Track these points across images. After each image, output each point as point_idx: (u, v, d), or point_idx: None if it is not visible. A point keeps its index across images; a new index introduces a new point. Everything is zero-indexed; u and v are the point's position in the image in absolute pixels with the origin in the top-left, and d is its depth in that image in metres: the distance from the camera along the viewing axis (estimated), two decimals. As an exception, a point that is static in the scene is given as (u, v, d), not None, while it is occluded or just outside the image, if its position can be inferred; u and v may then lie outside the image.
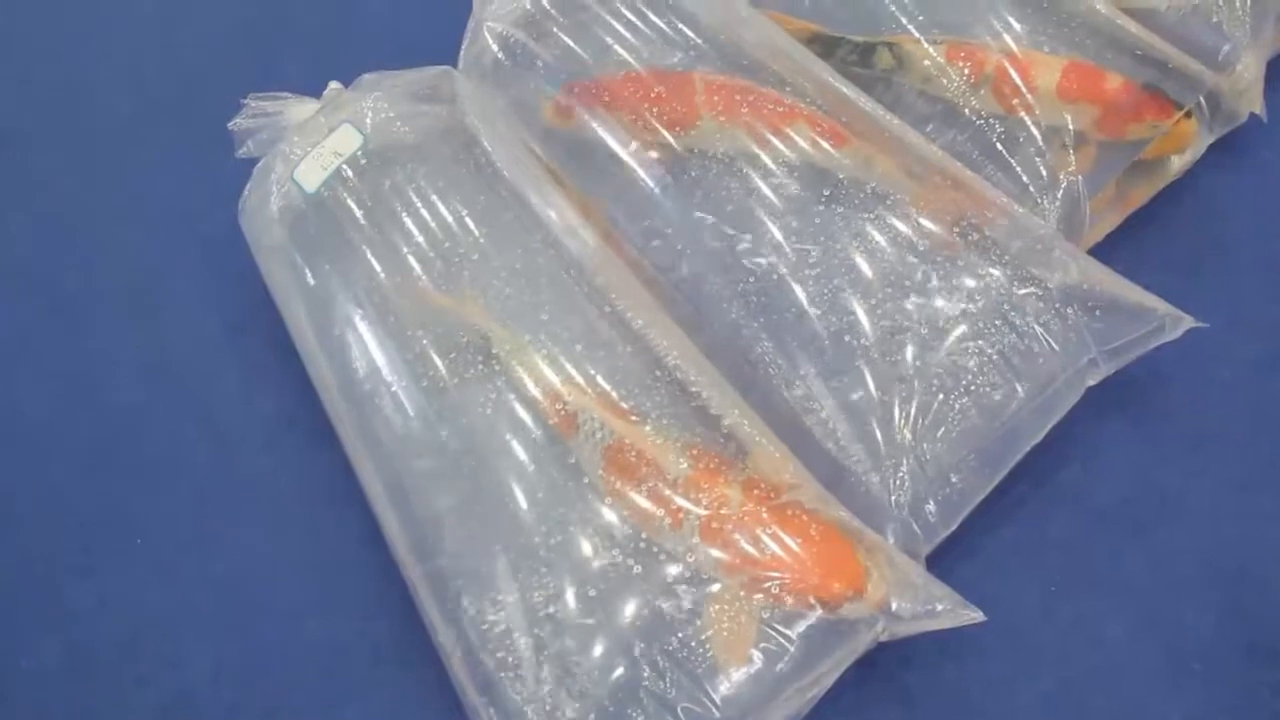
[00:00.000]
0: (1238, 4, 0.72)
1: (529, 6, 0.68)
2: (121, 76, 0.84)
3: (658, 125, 0.64)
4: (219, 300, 0.69)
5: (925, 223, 0.60)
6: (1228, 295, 0.66)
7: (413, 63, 0.68)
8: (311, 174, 0.60)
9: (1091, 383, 0.58)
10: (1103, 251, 0.66)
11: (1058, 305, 0.58)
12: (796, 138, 0.63)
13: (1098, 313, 0.58)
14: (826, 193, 0.61)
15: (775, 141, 0.63)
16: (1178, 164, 0.70)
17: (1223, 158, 0.71)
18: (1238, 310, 0.66)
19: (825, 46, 0.72)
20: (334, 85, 0.66)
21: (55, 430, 0.66)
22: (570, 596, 0.50)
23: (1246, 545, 0.58)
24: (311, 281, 0.60)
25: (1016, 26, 0.69)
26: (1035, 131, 0.65)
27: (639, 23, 0.67)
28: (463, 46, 0.70)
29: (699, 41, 0.67)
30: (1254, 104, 0.71)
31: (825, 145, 0.63)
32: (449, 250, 0.59)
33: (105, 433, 0.66)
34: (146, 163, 0.78)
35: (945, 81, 0.68)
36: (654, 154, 0.63)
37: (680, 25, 0.68)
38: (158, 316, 0.70)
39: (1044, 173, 0.64)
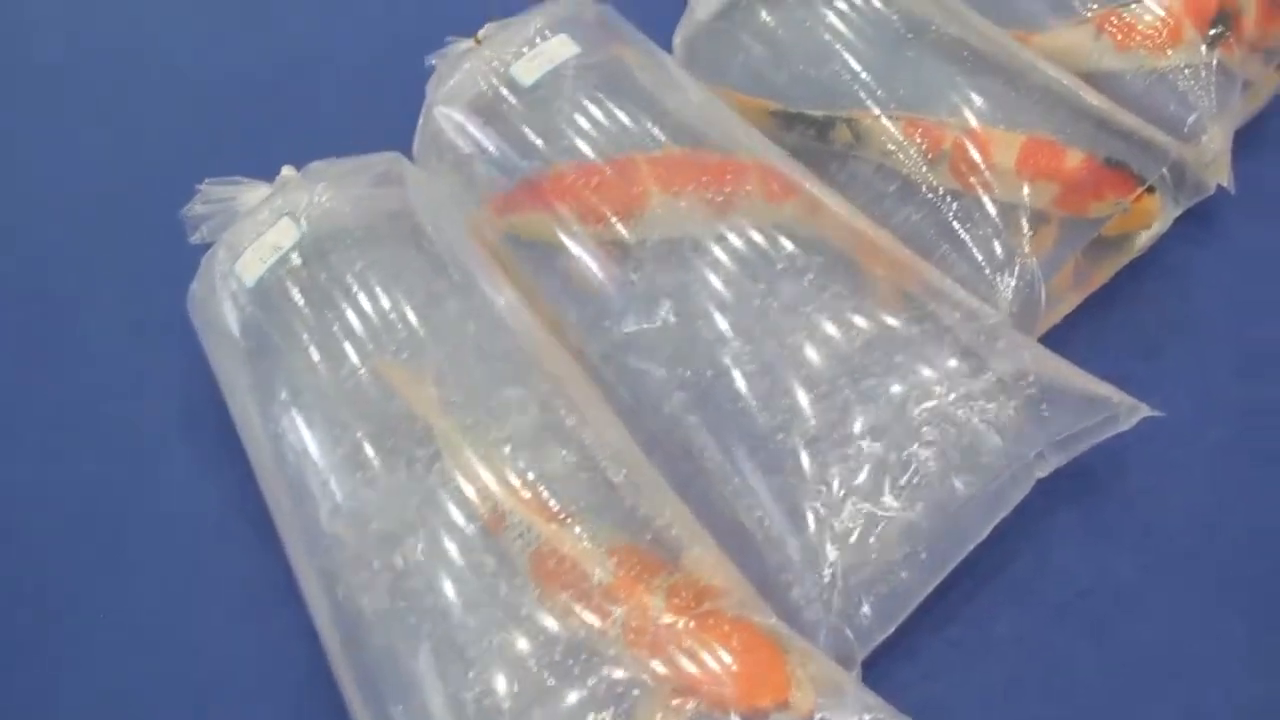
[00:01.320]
0: (1203, 73, 0.71)
1: (483, 88, 0.68)
2: (79, 161, 0.85)
3: (605, 213, 0.64)
4: (170, 388, 0.69)
5: (872, 311, 0.59)
6: (1192, 376, 0.65)
7: (370, 146, 0.69)
8: (252, 267, 0.60)
9: (1041, 474, 0.57)
10: (1063, 331, 0.66)
11: (1005, 397, 0.57)
12: (746, 195, 0.63)
13: (1047, 404, 0.57)
14: (769, 282, 0.61)
15: (722, 216, 0.63)
16: (1143, 239, 0.69)
17: (1191, 230, 0.70)
18: (1201, 392, 0.65)
19: (783, 122, 0.71)
20: (286, 170, 0.67)
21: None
22: (500, 697, 0.50)
23: (1208, 642, 0.57)
24: (254, 371, 0.61)
25: (976, 100, 0.69)
26: (992, 210, 0.65)
27: (593, 106, 0.67)
28: (417, 130, 0.70)
29: (651, 125, 0.67)
30: (1221, 176, 0.70)
31: (774, 199, 0.63)
32: (388, 340, 0.60)
33: (51, 519, 0.66)
34: (101, 248, 0.79)
35: (902, 157, 0.67)
36: (599, 244, 0.63)
37: (634, 108, 0.68)
38: (109, 401, 0.70)
39: (1000, 253, 0.63)
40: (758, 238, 0.62)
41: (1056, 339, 0.64)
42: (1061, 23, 0.75)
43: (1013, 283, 0.62)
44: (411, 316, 0.60)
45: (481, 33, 0.72)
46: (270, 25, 0.93)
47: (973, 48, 0.70)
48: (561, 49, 0.66)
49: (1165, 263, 0.69)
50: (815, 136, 0.70)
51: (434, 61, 0.73)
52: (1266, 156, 0.74)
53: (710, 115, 0.68)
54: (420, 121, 0.70)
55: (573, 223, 0.63)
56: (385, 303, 0.61)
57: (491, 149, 0.67)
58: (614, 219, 0.64)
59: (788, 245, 0.61)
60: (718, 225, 0.62)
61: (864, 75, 0.69)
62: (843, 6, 0.71)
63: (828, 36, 0.70)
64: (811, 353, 0.58)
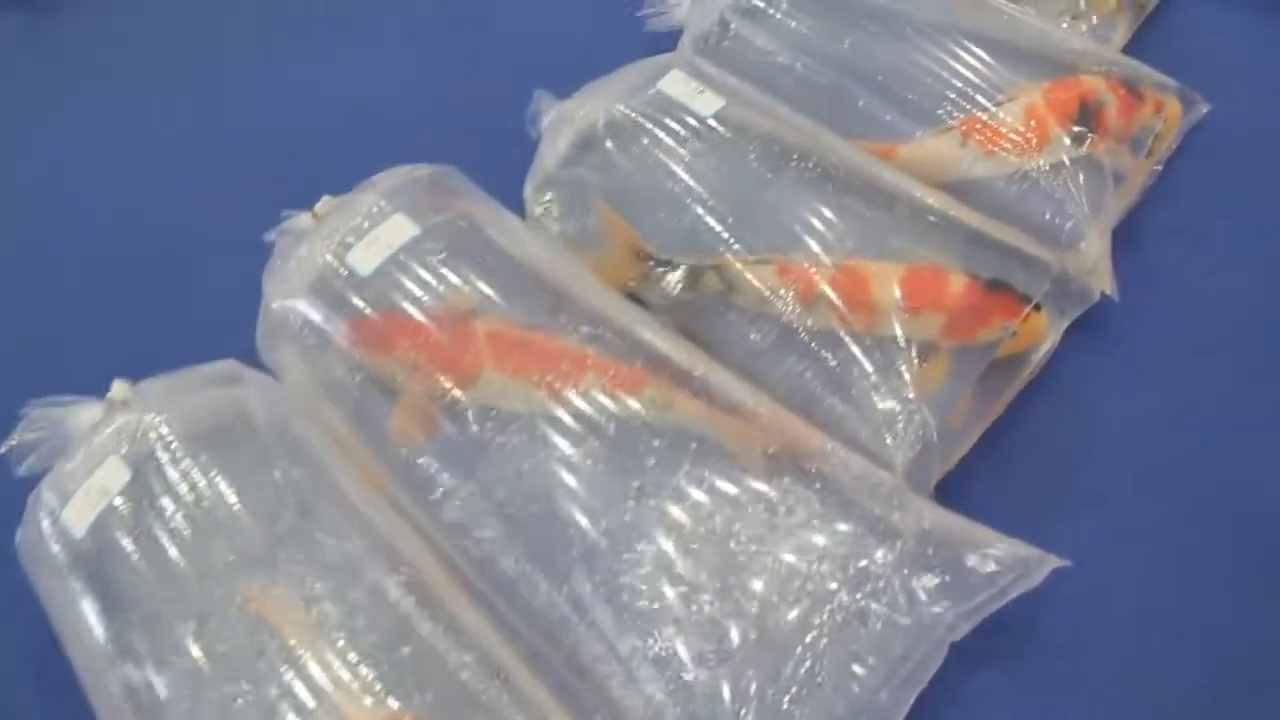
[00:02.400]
0: (1074, 174, 0.70)
1: (322, 275, 0.64)
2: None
3: (441, 380, 0.61)
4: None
5: (748, 483, 0.56)
6: (1097, 500, 0.63)
7: (213, 347, 0.65)
8: (81, 514, 0.55)
9: (954, 639, 0.54)
10: (963, 468, 0.63)
11: (906, 569, 0.54)
12: (589, 390, 0.59)
13: (950, 574, 0.54)
14: (633, 455, 0.57)
15: (568, 397, 0.59)
16: (1037, 356, 0.67)
17: (1081, 339, 0.68)
18: (1110, 516, 0.62)
19: (652, 270, 0.68)
20: (118, 387, 0.62)
21: None
22: None
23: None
24: (98, 622, 0.55)
25: (848, 234, 0.66)
26: (877, 354, 0.62)
27: (436, 279, 0.63)
28: (258, 324, 0.66)
29: (494, 290, 0.64)
30: (1103, 283, 0.68)
31: (619, 394, 0.59)
32: (242, 566, 0.55)
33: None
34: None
35: (777, 304, 0.64)
36: (437, 412, 0.60)
37: (478, 273, 0.64)
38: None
39: (888, 404, 0.61)
40: (608, 407, 0.59)
41: (957, 478, 0.62)
42: (926, 132, 0.73)
43: (905, 436, 0.59)
44: (260, 535, 0.56)
45: (319, 207, 0.68)
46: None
47: (838, 178, 0.68)
48: (399, 232, 0.62)
49: (1059, 377, 0.67)
50: (686, 285, 0.67)
51: (272, 237, 0.69)
52: (1146, 250, 0.73)
53: (560, 275, 0.65)
54: (260, 315, 0.66)
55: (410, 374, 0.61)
56: (236, 523, 0.56)
57: (337, 338, 0.63)
58: (447, 382, 0.61)
59: (636, 429, 0.58)
60: (554, 407, 0.59)
61: (728, 219, 0.66)
62: (698, 147, 0.68)
63: (685, 180, 0.67)
64: (685, 530, 0.54)
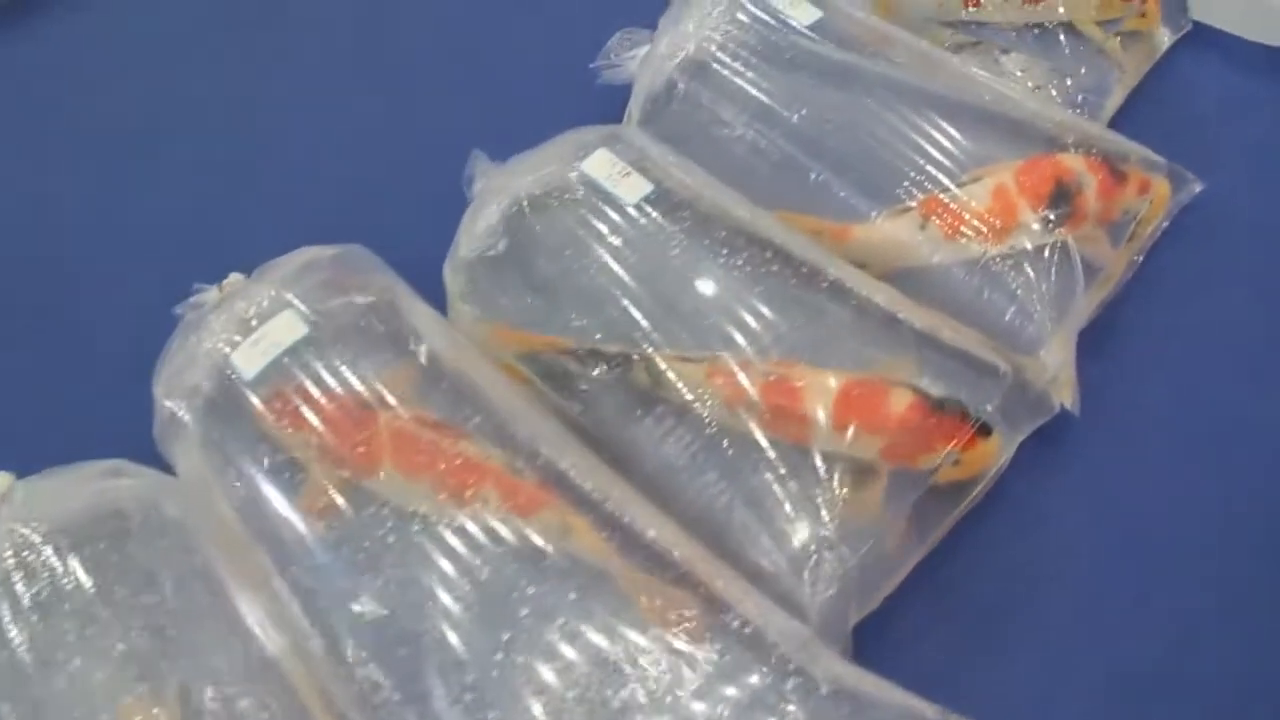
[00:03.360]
0: (1042, 272, 0.64)
1: (210, 366, 0.60)
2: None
3: (342, 470, 0.57)
4: None
5: (636, 638, 0.51)
6: (1043, 642, 0.59)
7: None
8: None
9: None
10: (896, 598, 0.58)
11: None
12: (484, 505, 0.55)
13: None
14: (508, 601, 0.53)
15: (460, 511, 0.55)
16: (985, 479, 0.62)
17: (1039, 453, 0.63)
18: (1056, 664, 0.58)
19: (579, 361, 0.63)
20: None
21: None
22: None
23: None
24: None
25: (785, 333, 0.61)
26: (801, 476, 0.57)
27: (329, 378, 0.59)
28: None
29: (389, 393, 0.59)
30: (1064, 395, 0.63)
31: (514, 515, 0.55)
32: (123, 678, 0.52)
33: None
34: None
35: (701, 408, 0.59)
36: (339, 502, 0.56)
37: (375, 370, 0.60)
38: None
39: (807, 534, 0.56)
40: (500, 532, 0.54)
41: (886, 610, 0.58)
42: (883, 211, 0.68)
43: (821, 574, 0.55)
44: (141, 642, 0.53)
45: (227, 283, 0.64)
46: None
47: (777, 269, 0.63)
48: (288, 331, 0.58)
49: (1007, 497, 0.62)
50: (614, 377, 0.62)
51: (180, 311, 0.65)
52: (1118, 352, 0.68)
53: (468, 373, 0.61)
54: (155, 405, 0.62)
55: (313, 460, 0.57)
56: (114, 630, 0.53)
57: (229, 433, 0.59)
58: (348, 473, 0.57)
59: (519, 565, 0.54)
60: (446, 519, 0.55)
61: (654, 313, 0.61)
62: (620, 234, 0.63)
63: (609, 269, 0.62)
64: (568, 672, 0.50)
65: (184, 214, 0.81)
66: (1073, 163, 0.68)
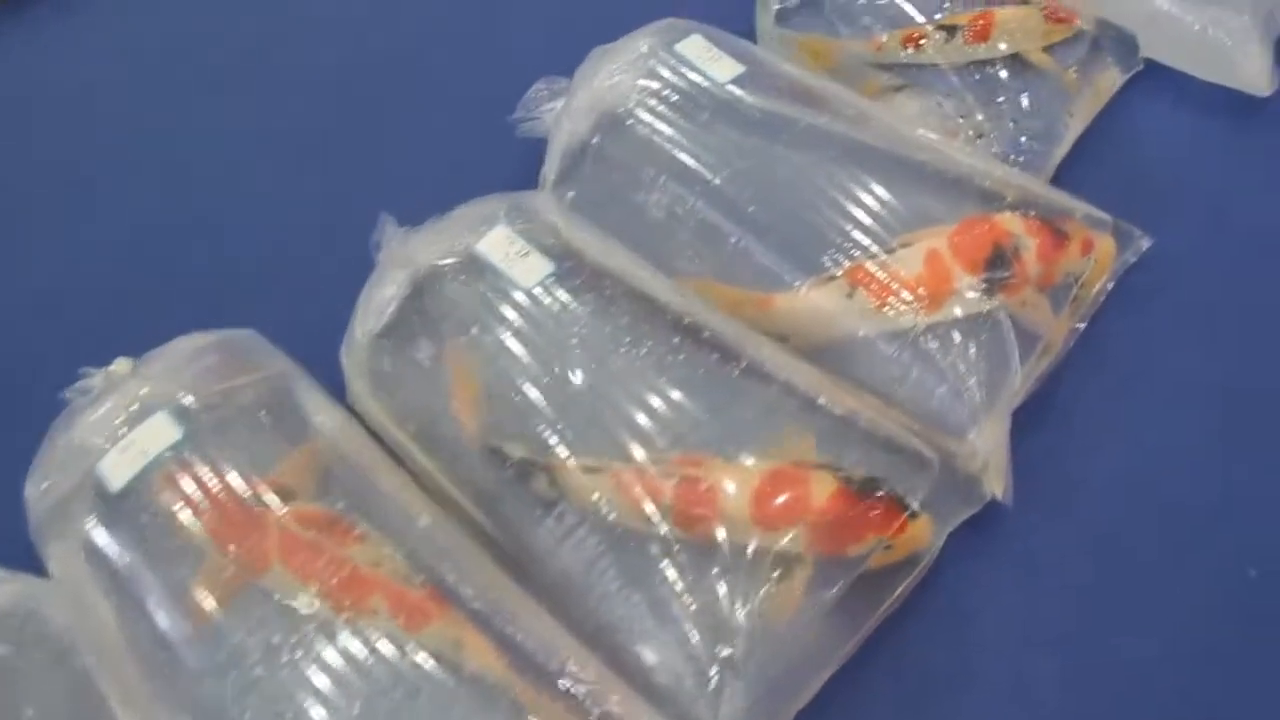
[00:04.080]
0: (976, 344, 0.61)
1: (81, 470, 0.56)
2: None
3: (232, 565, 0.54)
4: None
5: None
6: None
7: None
8: None
9: None
10: (817, 704, 0.55)
11: None
12: (373, 618, 0.52)
13: None
14: (414, 698, 0.50)
15: (343, 621, 0.52)
16: (915, 569, 0.58)
17: (971, 540, 0.59)
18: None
19: (484, 459, 0.59)
20: None
21: None
22: None
23: None
24: None
25: (697, 424, 0.57)
26: (709, 588, 0.53)
27: (211, 479, 0.55)
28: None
29: (274, 500, 0.55)
30: (995, 484, 0.59)
31: (402, 627, 0.52)
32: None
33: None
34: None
35: (611, 515, 0.56)
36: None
37: (257, 470, 0.56)
38: None
39: (708, 650, 0.52)
40: (388, 648, 0.51)
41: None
42: (809, 280, 0.64)
43: (726, 698, 0.51)
44: None
45: (115, 367, 0.60)
46: None
47: (689, 352, 0.59)
48: (158, 437, 0.54)
49: (937, 588, 0.59)
50: (516, 481, 0.58)
51: (67, 396, 0.61)
52: (1056, 429, 0.64)
53: (364, 466, 0.58)
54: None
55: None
56: None
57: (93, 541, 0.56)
58: (230, 574, 0.54)
59: (419, 667, 0.51)
60: (339, 626, 0.52)
61: (555, 410, 0.57)
62: (517, 321, 0.59)
63: (509, 359, 0.59)
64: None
65: (76, 290, 0.76)
66: (1011, 224, 0.65)
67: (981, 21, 0.78)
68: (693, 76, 0.69)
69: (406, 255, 0.63)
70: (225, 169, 0.83)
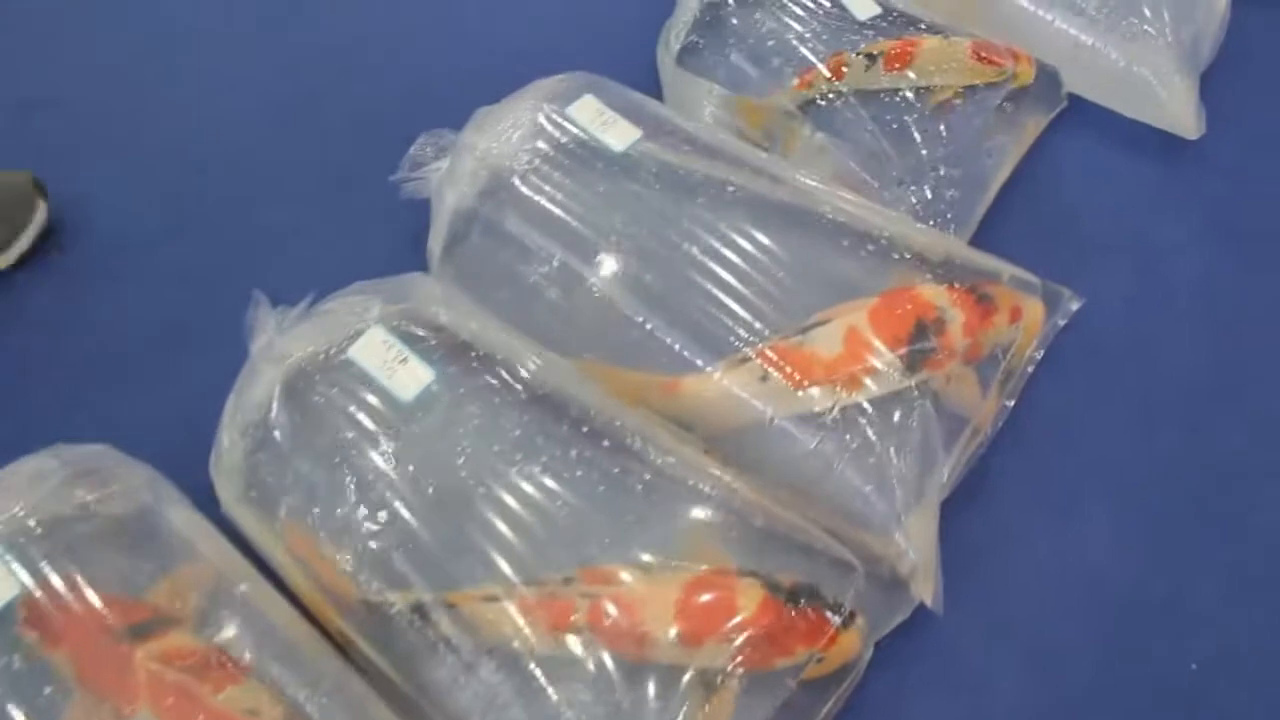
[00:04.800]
0: (895, 445, 0.57)
1: None
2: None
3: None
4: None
5: None
6: None
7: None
8: None
9: None
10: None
11: None
12: None
13: None
14: None
15: None
16: (846, 681, 0.54)
17: (899, 647, 0.55)
18: None
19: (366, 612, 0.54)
20: None
21: None
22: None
23: None
24: None
25: (605, 539, 0.52)
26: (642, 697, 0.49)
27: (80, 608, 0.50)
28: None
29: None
30: (923, 590, 0.55)
31: None
32: None
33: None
34: None
35: (518, 643, 0.50)
36: None
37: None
38: None
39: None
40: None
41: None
42: (719, 362, 0.59)
43: None
44: None
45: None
46: None
47: (583, 471, 0.54)
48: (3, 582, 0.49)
49: (867, 698, 0.55)
50: (410, 624, 0.53)
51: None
52: (981, 512, 0.60)
53: (247, 590, 0.53)
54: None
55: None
56: None
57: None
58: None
59: None
60: None
61: (438, 541, 0.52)
62: (394, 440, 0.54)
63: (386, 494, 0.53)
64: None
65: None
66: (934, 296, 0.61)
67: (903, 49, 0.74)
68: (586, 142, 0.64)
69: (279, 351, 0.57)
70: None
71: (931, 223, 0.68)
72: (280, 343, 0.58)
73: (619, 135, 0.63)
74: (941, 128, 0.72)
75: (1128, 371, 0.66)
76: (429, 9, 0.90)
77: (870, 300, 0.60)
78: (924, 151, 0.71)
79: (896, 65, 0.74)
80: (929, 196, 0.70)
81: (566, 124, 0.64)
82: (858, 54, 0.74)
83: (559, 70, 0.69)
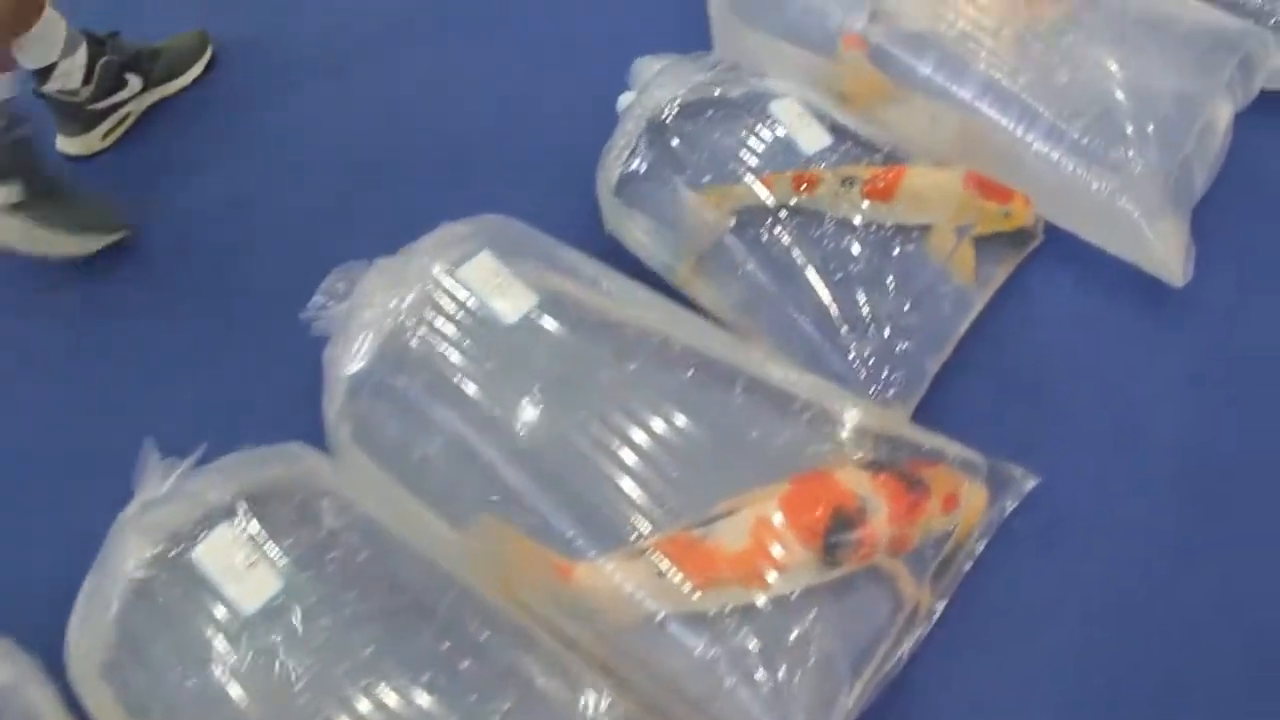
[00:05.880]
0: (795, 662, 0.51)
1: None
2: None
3: None
4: None
5: None
6: None
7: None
8: None
9: None
10: None
11: None
12: None
13: None
14: None
15: None
16: None
17: None
18: None
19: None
20: None
21: None
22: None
23: None
24: None
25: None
26: None
27: None
28: None
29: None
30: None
31: None
32: None
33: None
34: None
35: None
36: None
37: None
38: None
39: None
40: None
41: None
42: (612, 552, 0.54)
43: None
44: None
45: None
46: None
47: (452, 665, 0.49)
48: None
49: None
50: None
51: None
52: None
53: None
54: None
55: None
56: None
57: None
58: None
59: None
60: None
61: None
62: (236, 652, 0.49)
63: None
64: None
65: None
66: (854, 481, 0.55)
67: (888, 177, 0.69)
68: (476, 312, 0.60)
69: (147, 526, 0.54)
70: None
71: (874, 388, 0.62)
72: (137, 521, 0.54)
73: (513, 302, 0.59)
74: (896, 267, 0.66)
75: (1089, 564, 0.59)
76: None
77: (782, 487, 0.55)
78: (877, 295, 0.65)
79: (878, 195, 0.68)
80: (878, 348, 0.64)
81: (458, 289, 0.60)
82: (833, 173, 0.68)
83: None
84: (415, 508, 0.58)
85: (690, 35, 0.83)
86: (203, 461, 0.57)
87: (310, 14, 0.99)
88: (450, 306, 0.59)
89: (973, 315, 0.66)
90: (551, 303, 0.59)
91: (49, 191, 0.78)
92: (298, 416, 0.62)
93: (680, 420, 0.56)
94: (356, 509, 0.55)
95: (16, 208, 0.76)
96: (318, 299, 0.64)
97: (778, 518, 0.54)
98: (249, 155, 0.87)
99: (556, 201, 0.73)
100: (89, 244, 0.79)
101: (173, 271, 0.80)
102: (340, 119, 0.89)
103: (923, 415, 0.63)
